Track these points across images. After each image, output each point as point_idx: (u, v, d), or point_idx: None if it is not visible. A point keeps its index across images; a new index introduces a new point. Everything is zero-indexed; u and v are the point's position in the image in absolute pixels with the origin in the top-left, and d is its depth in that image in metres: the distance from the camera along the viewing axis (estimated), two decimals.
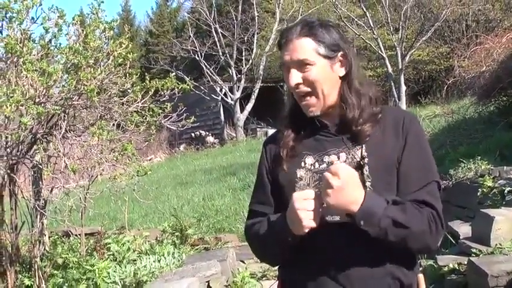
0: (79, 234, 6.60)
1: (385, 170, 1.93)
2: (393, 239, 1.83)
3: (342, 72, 2.01)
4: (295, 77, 1.97)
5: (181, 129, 6.60)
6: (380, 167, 1.92)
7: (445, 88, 16.97)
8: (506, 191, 6.56)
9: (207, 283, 5.63)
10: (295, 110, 2.08)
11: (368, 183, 1.89)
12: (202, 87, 23.95)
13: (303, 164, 2.00)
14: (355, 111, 1.98)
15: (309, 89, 1.97)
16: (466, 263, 5.36)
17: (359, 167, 1.91)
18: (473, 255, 5.52)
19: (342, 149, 1.97)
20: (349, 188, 1.79)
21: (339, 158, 1.96)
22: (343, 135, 1.99)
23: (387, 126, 1.99)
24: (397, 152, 1.95)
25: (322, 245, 1.92)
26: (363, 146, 1.94)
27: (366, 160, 1.91)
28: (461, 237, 6.17)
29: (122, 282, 5.77)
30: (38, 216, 5.91)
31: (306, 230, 1.84)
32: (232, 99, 25.07)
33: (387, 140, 1.97)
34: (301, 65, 1.96)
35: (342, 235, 1.89)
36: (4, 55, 5.37)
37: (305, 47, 1.96)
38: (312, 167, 1.99)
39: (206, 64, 24.93)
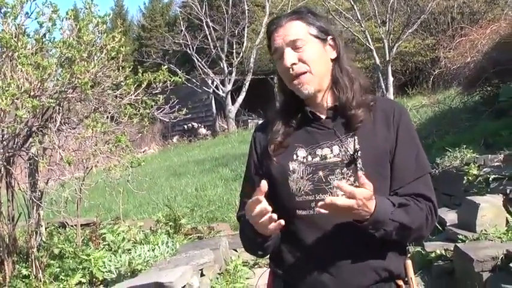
0: (75, 225, 6.60)
1: (377, 161, 1.92)
2: (395, 238, 1.85)
3: (333, 54, 2.00)
4: (290, 56, 1.92)
5: (174, 121, 6.61)
6: (372, 159, 1.91)
7: (431, 79, 17.02)
8: (491, 179, 6.60)
9: (200, 271, 5.64)
10: (286, 102, 2.05)
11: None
12: (194, 80, 23.89)
13: (294, 156, 1.97)
14: (348, 93, 1.96)
15: (304, 69, 1.93)
16: (452, 249, 5.39)
17: (352, 160, 1.90)
18: (459, 241, 5.55)
19: (335, 142, 1.94)
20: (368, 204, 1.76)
21: (331, 151, 1.93)
22: (336, 122, 1.97)
23: (378, 116, 1.97)
24: (389, 143, 1.94)
25: (310, 237, 1.91)
26: (355, 138, 1.92)
27: (359, 153, 1.89)
28: (447, 224, 6.20)
29: (117, 271, 5.77)
30: (35, 208, 5.90)
31: (270, 233, 1.84)
32: (223, 92, 25.00)
33: (378, 131, 1.95)
34: (295, 45, 1.93)
35: (329, 226, 1.88)
36: None
37: (296, 28, 1.94)
38: (305, 160, 1.95)
39: (198, 57, 24.83)
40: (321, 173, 1.91)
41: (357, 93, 1.97)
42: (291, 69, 1.93)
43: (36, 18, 5.38)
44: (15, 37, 5.15)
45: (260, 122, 2.35)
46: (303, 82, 1.94)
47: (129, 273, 5.72)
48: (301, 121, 2.01)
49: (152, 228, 7.51)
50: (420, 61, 22.45)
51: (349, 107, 1.95)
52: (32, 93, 5.04)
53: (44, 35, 5.49)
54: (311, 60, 1.93)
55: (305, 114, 2.00)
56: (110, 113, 5.87)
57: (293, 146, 1.98)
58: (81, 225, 6.89)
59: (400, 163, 1.93)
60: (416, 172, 1.95)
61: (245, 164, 2.19)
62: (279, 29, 1.95)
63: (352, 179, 1.89)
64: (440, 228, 6.20)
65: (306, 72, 1.93)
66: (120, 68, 5.77)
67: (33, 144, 5.46)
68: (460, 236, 5.66)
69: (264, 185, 1.77)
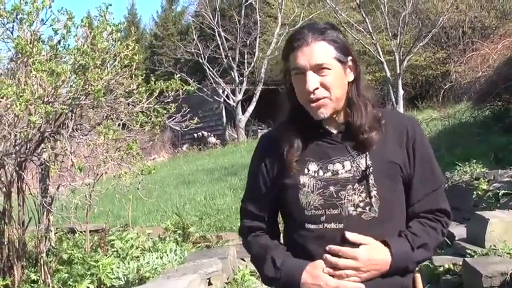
0: (84, 231, 6.60)
1: (390, 177, 1.93)
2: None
3: (351, 77, 1.96)
4: (313, 81, 1.88)
5: (185, 129, 6.61)
6: (385, 175, 1.92)
7: (441, 93, 16.95)
8: (500, 194, 6.57)
9: (208, 280, 5.63)
10: (296, 112, 2.01)
11: (374, 192, 1.88)
12: (205, 89, 23.89)
13: (306, 170, 1.95)
14: (362, 118, 1.94)
15: (325, 94, 1.89)
16: (461, 263, 5.35)
17: (364, 176, 1.90)
18: (468, 256, 5.51)
19: (347, 158, 1.94)
20: (374, 259, 1.85)
21: (343, 166, 1.93)
22: (348, 142, 1.96)
23: (389, 132, 1.97)
24: (401, 158, 1.95)
25: (319, 251, 1.90)
26: (367, 154, 1.92)
27: (371, 169, 1.90)
28: (456, 239, 6.16)
29: (125, 278, 5.77)
30: (45, 213, 5.92)
31: None
32: (234, 101, 25.03)
33: (389, 146, 1.95)
34: (318, 69, 1.88)
35: (338, 241, 1.88)
36: (14, 55, 5.39)
37: (322, 51, 1.89)
38: (316, 174, 1.94)
39: (209, 67, 24.90)
40: (332, 188, 1.91)
41: (370, 116, 1.95)
42: (312, 94, 1.89)
43: (51, 25, 5.41)
44: (30, 43, 5.19)
45: (264, 132, 2.34)
46: (321, 106, 1.91)
47: (137, 281, 5.71)
48: (311, 134, 1.99)
49: (161, 236, 7.51)
50: (431, 75, 22.40)
51: (362, 132, 1.93)
52: (45, 99, 5.06)
53: (59, 41, 5.53)
54: (332, 86, 1.90)
55: (315, 128, 1.99)
56: (121, 120, 5.89)
57: (304, 160, 1.96)
58: (90, 231, 6.89)
59: (417, 178, 1.96)
60: (433, 185, 1.98)
61: (248, 173, 2.18)
62: (304, 48, 1.89)
63: (363, 195, 1.89)
64: (449, 242, 6.16)
65: (325, 98, 1.90)
66: (133, 76, 5.79)
67: (45, 149, 5.48)
68: (469, 251, 5.62)
69: None
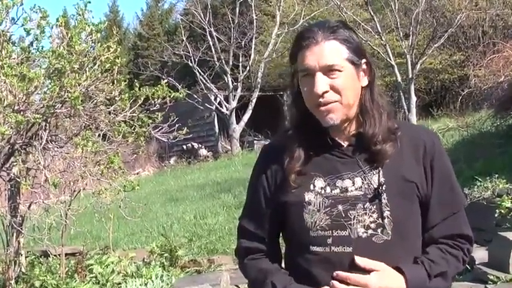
0: (59, 255, 6.58)
1: (405, 196, 1.92)
2: None
3: (365, 81, 1.96)
4: (322, 83, 1.87)
5: (173, 141, 6.61)
6: (399, 194, 1.90)
7: (459, 99, 17.02)
8: None
9: None
10: (302, 120, 2.01)
11: (387, 213, 1.88)
12: (195, 96, 23.93)
13: (312, 186, 1.94)
14: (376, 127, 1.93)
15: (335, 98, 1.89)
16: None
17: (376, 195, 1.89)
18: (490, 282, 5.51)
19: (357, 173, 1.93)
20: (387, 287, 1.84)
21: (353, 183, 1.92)
22: (359, 155, 1.95)
23: (404, 146, 1.96)
24: (417, 175, 1.94)
25: (326, 277, 1.89)
26: (380, 170, 1.91)
27: (384, 187, 1.89)
28: (476, 263, 6.15)
29: None
30: (14, 234, 5.90)
31: None
32: (227, 109, 25.04)
33: (405, 162, 1.95)
34: (329, 70, 1.88)
35: (347, 266, 1.88)
36: None
37: (333, 51, 1.89)
38: (323, 191, 1.93)
39: (200, 70, 24.93)
40: (340, 207, 1.90)
41: (384, 126, 1.94)
42: (321, 97, 1.88)
43: (23, 25, 5.42)
44: None
45: (267, 142, 2.34)
46: (330, 111, 1.90)
47: None
48: (319, 146, 1.98)
49: (145, 260, 7.49)
50: (447, 79, 22.48)
51: (375, 142, 1.92)
52: (16, 108, 5.06)
53: (31, 43, 5.53)
54: (343, 90, 1.89)
55: (324, 139, 1.98)
56: (102, 130, 5.89)
57: (310, 175, 1.95)
58: (66, 254, 6.87)
59: (435, 199, 1.95)
60: (453, 207, 1.98)
61: (248, 187, 2.18)
62: (314, 47, 1.89)
63: (375, 215, 1.88)
64: (469, 267, 6.15)
65: (335, 102, 1.90)
66: (115, 81, 5.80)
67: (15, 163, 5.47)
68: (491, 277, 5.61)
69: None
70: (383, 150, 1.92)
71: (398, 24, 19.35)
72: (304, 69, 1.91)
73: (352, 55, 1.91)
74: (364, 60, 1.95)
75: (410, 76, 18.93)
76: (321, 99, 1.88)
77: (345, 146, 1.98)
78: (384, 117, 1.95)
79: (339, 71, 1.88)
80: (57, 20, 5.60)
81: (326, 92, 1.88)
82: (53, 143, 5.58)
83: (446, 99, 21.32)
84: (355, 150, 1.96)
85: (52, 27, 5.58)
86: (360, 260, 1.84)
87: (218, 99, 25.40)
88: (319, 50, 1.88)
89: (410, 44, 19.12)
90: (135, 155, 7.57)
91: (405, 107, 18.74)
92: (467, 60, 19.27)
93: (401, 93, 19.21)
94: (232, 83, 25.35)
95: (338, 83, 1.88)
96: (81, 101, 5.20)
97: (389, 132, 1.95)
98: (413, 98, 19.01)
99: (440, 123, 16.53)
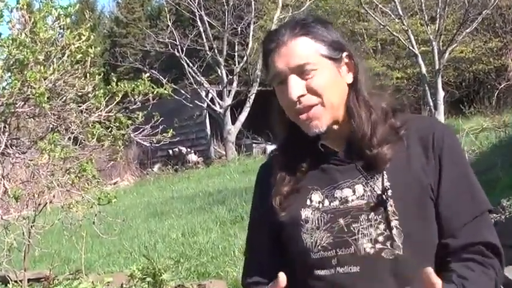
0: (20, 281, 6.57)
1: (416, 202, 1.90)
2: None
3: (349, 78, 1.98)
4: (296, 87, 1.90)
5: (156, 145, 6.61)
6: (409, 199, 1.89)
7: (495, 94, 17.07)
8: None
9: None
10: (290, 139, 2.06)
11: (395, 222, 1.86)
12: (183, 92, 23.94)
13: (308, 202, 1.96)
14: (366, 128, 1.93)
15: (314, 101, 1.91)
16: None
17: (381, 202, 1.88)
18: None
19: (358, 179, 1.93)
20: None
21: (354, 191, 1.92)
22: (358, 160, 1.95)
23: (412, 142, 1.96)
24: (429, 176, 1.91)
25: None
26: (384, 173, 1.91)
27: (390, 192, 1.88)
28: None
29: None
30: None
31: None
32: (221, 107, 25.06)
33: (414, 161, 1.93)
34: (302, 71, 1.90)
35: None
36: None
37: (304, 48, 1.91)
38: (320, 205, 1.94)
39: (188, 62, 24.96)
40: (341, 221, 1.90)
41: (377, 125, 1.95)
42: (297, 103, 1.91)
43: None
44: None
45: (269, 147, 2.36)
46: (313, 117, 1.92)
47: None
48: (312, 157, 2.01)
49: (124, 286, 7.49)
50: (481, 70, 22.52)
51: (370, 146, 1.93)
52: None
53: None
54: (323, 89, 1.91)
55: (316, 148, 1.99)
56: (72, 133, 5.88)
57: (306, 189, 1.98)
58: (29, 280, 6.87)
59: (449, 202, 1.91)
60: (473, 210, 1.92)
61: (248, 202, 2.23)
62: (281, 48, 1.93)
63: (382, 226, 1.87)
64: None
65: (316, 105, 1.91)
66: (88, 74, 5.80)
67: None
68: None
69: (282, 279, 1.79)
70: (380, 154, 1.92)
71: (423, 5, 19.39)
72: (275, 75, 1.95)
73: (328, 50, 1.93)
74: (345, 54, 1.97)
75: (437, 67, 18.97)
76: (298, 105, 1.91)
77: (340, 151, 1.99)
78: (374, 116, 1.96)
79: (313, 69, 1.90)
80: (18, 2, 5.60)
81: (302, 95, 1.90)
82: (14, 147, 5.57)
83: (480, 94, 21.37)
84: (353, 155, 1.97)
85: (12, 11, 5.57)
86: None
87: (210, 96, 25.46)
88: (287, 50, 1.92)
89: (437, 29, 19.15)
90: (112, 162, 7.57)
91: (431, 104, 18.76)
92: (505, 47, 19.34)
93: (427, 87, 19.24)
94: (227, 76, 25.40)
95: (315, 83, 1.90)
96: (48, 98, 5.19)
97: (389, 132, 1.95)
98: (441, 93, 19.03)
99: (472, 123, 16.55)
